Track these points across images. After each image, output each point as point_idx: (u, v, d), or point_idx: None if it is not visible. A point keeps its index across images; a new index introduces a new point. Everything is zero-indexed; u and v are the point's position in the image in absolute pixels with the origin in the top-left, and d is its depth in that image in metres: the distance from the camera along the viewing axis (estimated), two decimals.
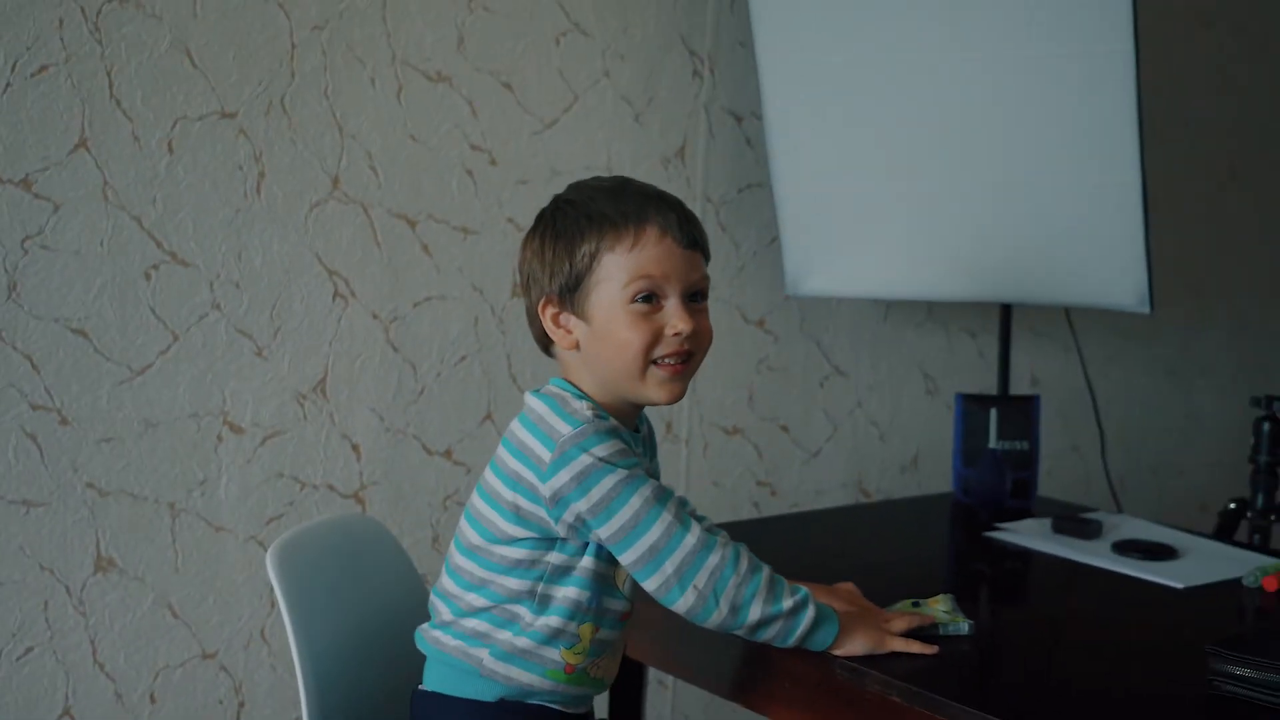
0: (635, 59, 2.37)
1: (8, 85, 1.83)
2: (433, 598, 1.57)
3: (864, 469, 2.75)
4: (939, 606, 1.66)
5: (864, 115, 2.35)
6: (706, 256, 1.56)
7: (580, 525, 1.45)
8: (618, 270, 1.47)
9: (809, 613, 1.49)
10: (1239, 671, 1.46)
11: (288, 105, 2.04)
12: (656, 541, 1.43)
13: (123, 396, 1.95)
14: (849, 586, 1.70)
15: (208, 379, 2.02)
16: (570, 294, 1.49)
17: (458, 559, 1.53)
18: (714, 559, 1.45)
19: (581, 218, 1.50)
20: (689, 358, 1.50)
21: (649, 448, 1.65)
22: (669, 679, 2.45)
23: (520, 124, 2.25)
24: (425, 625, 1.57)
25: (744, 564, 1.46)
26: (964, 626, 1.63)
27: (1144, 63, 2.18)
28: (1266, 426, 2.31)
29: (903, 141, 2.34)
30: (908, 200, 2.38)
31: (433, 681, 1.54)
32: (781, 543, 2.02)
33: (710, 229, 2.46)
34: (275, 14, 2.01)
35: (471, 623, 1.51)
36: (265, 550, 1.59)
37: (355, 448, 2.15)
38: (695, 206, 2.43)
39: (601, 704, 1.94)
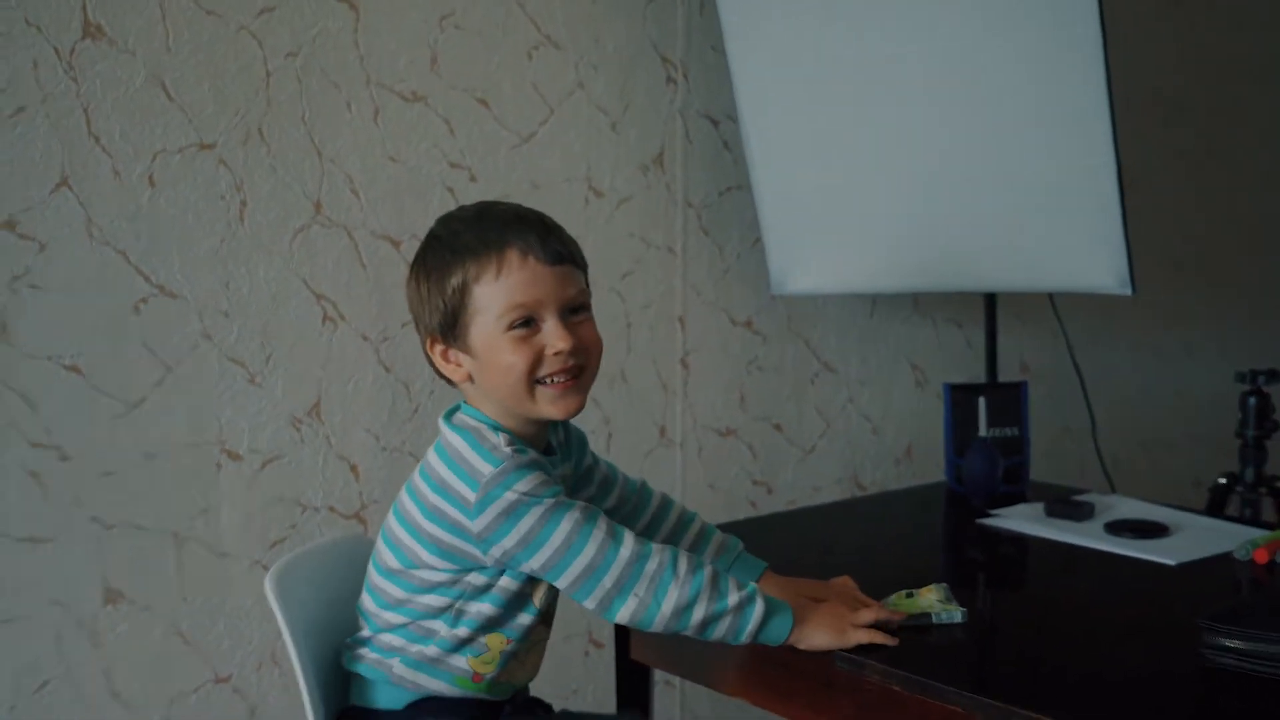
0: (608, 68, 2.37)
1: None
2: (356, 611, 1.58)
3: (858, 463, 2.75)
4: (932, 596, 1.66)
5: (839, 111, 2.35)
6: (580, 265, 1.54)
7: (509, 559, 1.45)
8: (488, 301, 1.47)
9: (757, 607, 1.48)
10: (1230, 644, 1.46)
11: (265, 133, 2.04)
12: (591, 561, 1.44)
13: (120, 430, 1.96)
14: (845, 580, 1.69)
15: (203, 408, 2.02)
16: (450, 329, 1.50)
17: (375, 579, 1.54)
18: (651, 565, 1.45)
19: (446, 252, 1.50)
20: (579, 371, 1.51)
21: (571, 449, 1.66)
22: (675, 679, 2.45)
23: (498, 139, 2.26)
24: (346, 641, 1.58)
25: (683, 566, 1.46)
26: (956, 615, 1.63)
27: (1113, 46, 2.18)
28: (1253, 401, 2.31)
29: (879, 136, 2.34)
30: (887, 194, 2.38)
31: (354, 696, 1.56)
32: (779, 540, 2.01)
33: (692, 233, 2.49)
34: (248, 43, 2.01)
35: (387, 637, 1.53)
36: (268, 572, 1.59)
37: (353, 468, 2.16)
38: (676, 211, 2.48)
39: (610, 707, 1.98)
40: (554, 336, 1.48)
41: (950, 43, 2.25)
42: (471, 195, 2.19)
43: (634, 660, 1.90)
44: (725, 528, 1.97)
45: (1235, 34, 3.33)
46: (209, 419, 2.03)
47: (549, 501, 1.44)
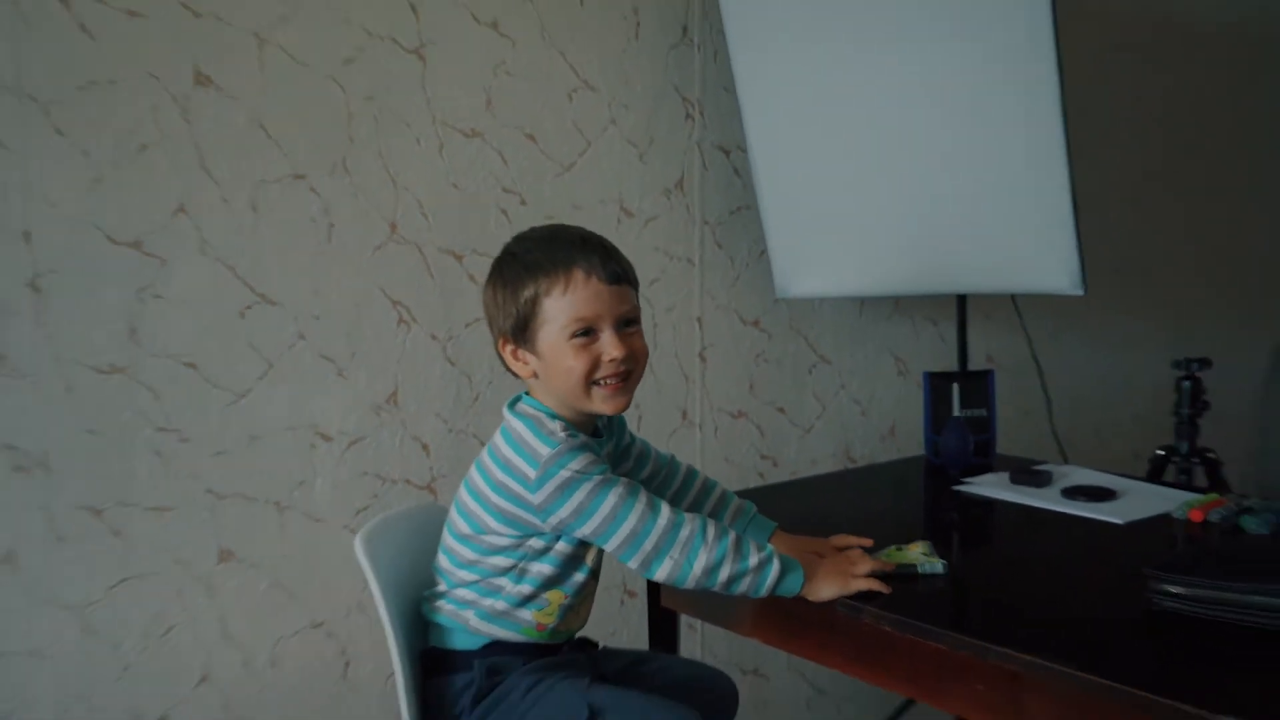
0: (636, 108, 2.41)
1: (116, 164, 1.87)
2: (432, 570, 1.63)
3: (849, 440, 2.79)
4: (917, 550, 1.71)
5: (832, 142, 2.39)
6: (633, 284, 1.58)
7: (564, 526, 1.50)
8: (556, 313, 1.52)
9: (774, 566, 1.53)
10: (1173, 589, 1.51)
11: (349, 165, 2.08)
12: (634, 528, 1.49)
13: (230, 416, 2.00)
14: (842, 537, 1.74)
15: (299, 397, 2.06)
16: (521, 333, 1.55)
17: (449, 542, 1.60)
18: (684, 532, 1.50)
19: (521, 267, 1.54)
20: (628, 375, 1.56)
21: (613, 431, 1.71)
22: (697, 623, 2.50)
23: (543, 168, 2.30)
24: (425, 593, 1.63)
25: (711, 532, 1.51)
26: (939, 566, 1.68)
27: (1068, 84, 2.22)
28: (1187, 385, 2.36)
29: (866, 162, 2.38)
30: (873, 212, 2.42)
31: (435, 640, 1.61)
32: (784, 505, 2.04)
33: (708, 246, 2.55)
34: (333, 89, 2.06)
35: (461, 592, 1.58)
36: (356, 535, 1.65)
37: (425, 447, 2.20)
38: (694, 228, 2.52)
39: (643, 646, 2.02)
40: (610, 346, 1.53)
41: (926, 82, 2.29)
42: (522, 216, 2.26)
43: (664, 607, 1.97)
44: (738, 494, 2.03)
45: (1173, 75, 3.35)
46: (304, 406, 2.07)
47: (598, 478, 1.49)
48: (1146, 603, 1.53)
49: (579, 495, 1.48)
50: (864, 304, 2.79)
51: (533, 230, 1.62)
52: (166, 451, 1.96)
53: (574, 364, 1.52)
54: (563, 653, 1.63)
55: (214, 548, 2.01)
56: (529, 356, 1.56)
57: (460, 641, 1.59)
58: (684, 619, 2.08)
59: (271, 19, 2.00)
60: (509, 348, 1.57)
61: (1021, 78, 2.22)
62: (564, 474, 1.48)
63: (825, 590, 1.57)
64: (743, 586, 1.52)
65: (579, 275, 1.52)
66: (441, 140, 2.18)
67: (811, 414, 2.73)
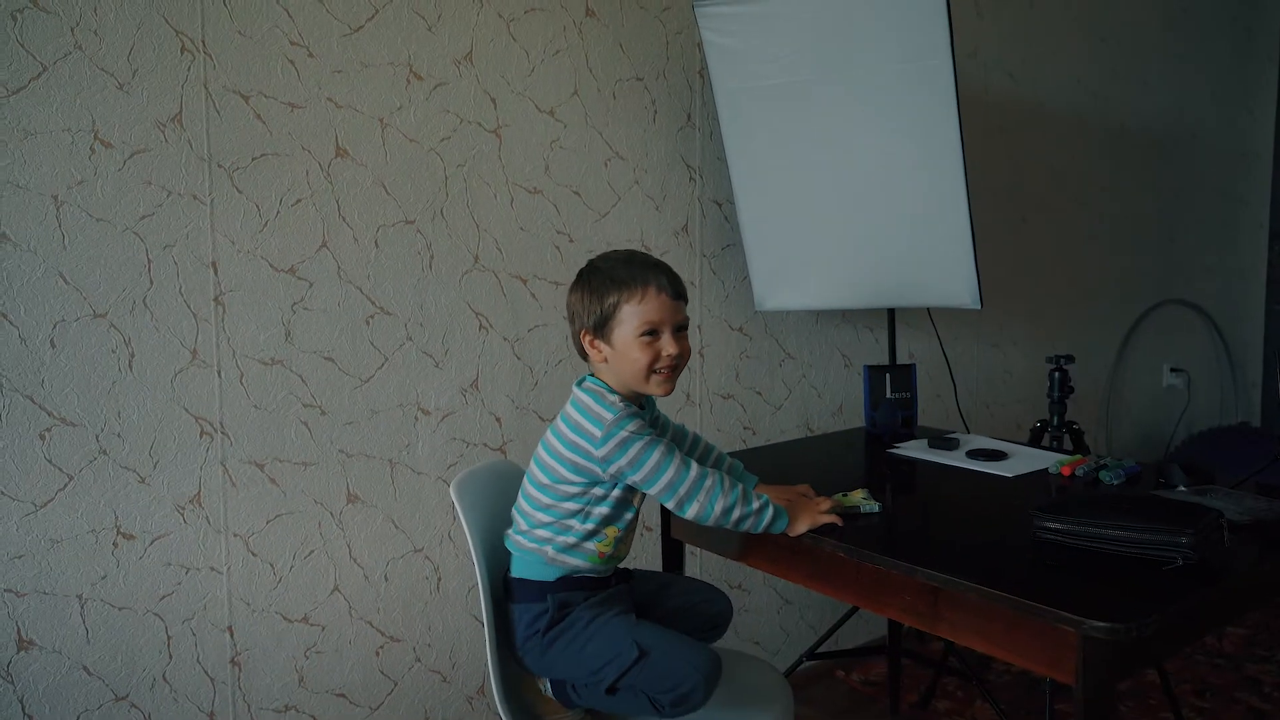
0: (654, 172, 2.38)
1: (278, 213, 1.86)
2: (514, 512, 1.59)
3: (809, 415, 2.75)
4: (858, 495, 1.68)
5: (795, 196, 2.35)
6: (687, 301, 1.56)
7: (620, 474, 1.48)
8: (631, 316, 1.50)
9: (770, 511, 1.54)
10: (1051, 524, 1.49)
11: (445, 214, 2.06)
12: (672, 477, 1.47)
13: (357, 396, 1.98)
14: (805, 487, 1.72)
15: (406, 382, 2.04)
16: (600, 329, 1.51)
17: (530, 490, 1.56)
18: (708, 482, 1.49)
19: (607, 279, 1.51)
20: (676, 367, 1.54)
21: (647, 406, 1.67)
22: (698, 550, 2.47)
23: (585, 216, 2.27)
24: (509, 531, 1.59)
25: (726, 484, 1.50)
26: (875, 507, 1.66)
27: (971, 150, 2.20)
28: (1056, 375, 2.32)
29: (820, 211, 2.34)
30: (826, 247, 2.38)
31: (517, 570, 1.57)
32: (762, 463, 2.00)
33: (706, 273, 2.51)
34: (434, 159, 2.03)
35: (540, 531, 1.54)
36: (448, 484, 1.62)
37: (498, 420, 2.17)
38: (695, 259, 2.47)
39: (656, 565, 2.00)
40: (668, 344, 1.51)
41: (864, 151, 2.25)
42: (570, 251, 2.23)
43: (673, 538, 1.94)
44: (732, 455, 1.99)
45: (1034, 150, 3.32)
46: (410, 389, 2.05)
47: (647, 438, 1.47)
48: (1032, 535, 1.51)
49: (633, 450, 1.46)
50: (819, 315, 2.75)
51: (614, 253, 1.57)
52: (311, 422, 1.94)
53: (640, 356, 1.50)
54: (612, 583, 1.59)
55: (343, 493, 1.99)
56: (604, 347, 1.52)
57: (537, 572, 1.54)
58: (687, 547, 2.03)
59: (391, 109, 1.98)
60: (589, 338, 1.53)
61: (934, 146, 2.18)
62: (622, 434, 1.46)
63: (801, 526, 1.57)
64: (747, 525, 1.52)
65: (652, 290, 1.50)
66: (512, 195, 2.16)
67: (781, 396, 2.69)
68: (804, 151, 2.29)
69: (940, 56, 2.08)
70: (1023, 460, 2.01)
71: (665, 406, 2.41)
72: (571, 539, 1.53)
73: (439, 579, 2.11)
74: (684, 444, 1.74)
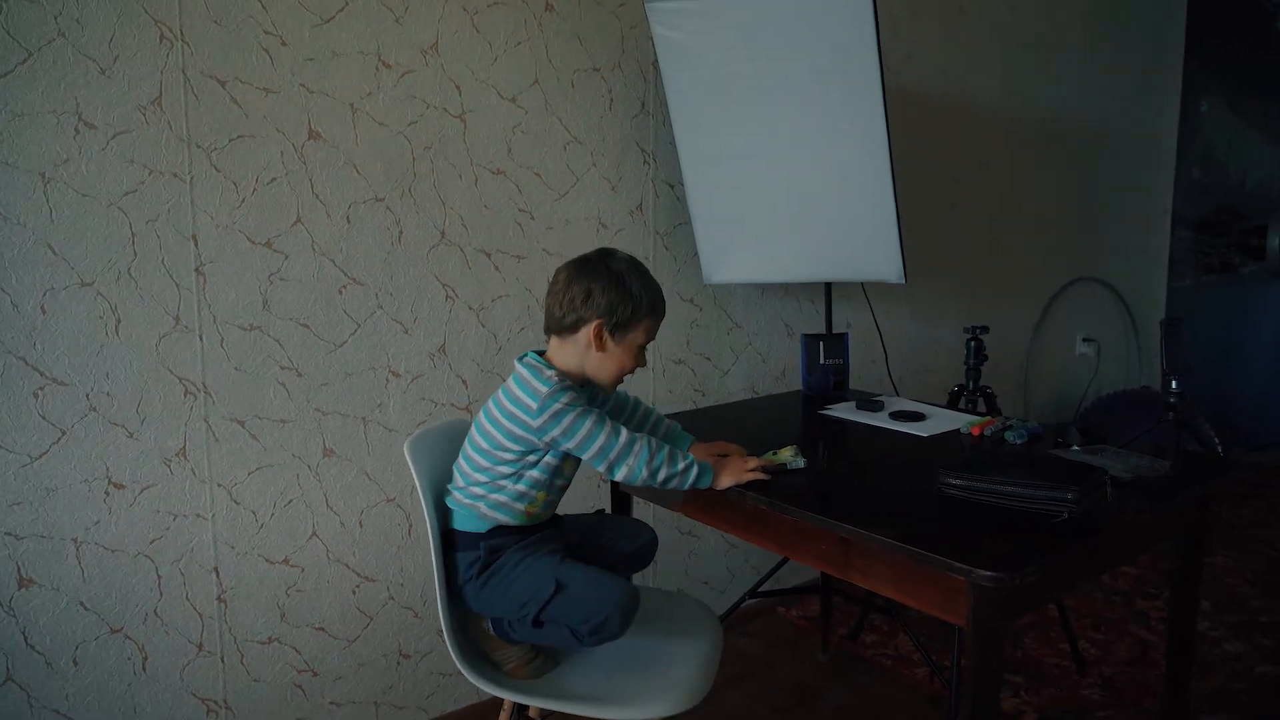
0: (610, 155, 2.30)
1: (255, 190, 1.78)
2: (454, 469, 1.53)
3: (755, 379, 2.70)
4: (787, 452, 1.63)
5: (739, 179, 2.27)
6: None
7: (554, 442, 1.43)
8: (644, 331, 1.48)
9: (695, 469, 1.49)
10: (953, 480, 1.45)
11: (413, 192, 1.98)
12: (603, 444, 1.42)
13: (331, 359, 1.91)
14: (735, 445, 1.66)
15: (377, 347, 1.97)
16: (615, 330, 1.46)
17: (469, 451, 1.50)
18: (637, 447, 1.44)
19: (640, 297, 1.46)
20: None
21: (591, 394, 1.61)
22: (645, 504, 2.41)
23: (545, 195, 2.19)
24: (448, 486, 1.53)
25: (653, 447, 1.46)
26: (801, 463, 1.61)
27: (899, 140, 2.14)
28: (972, 344, 2.26)
29: (761, 193, 2.27)
30: (768, 227, 2.31)
31: (456, 523, 1.51)
32: (709, 422, 2.00)
33: (660, 249, 2.44)
34: (403, 142, 1.95)
35: (474, 489, 1.48)
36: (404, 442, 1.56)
37: (464, 382, 2.11)
38: (650, 236, 2.40)
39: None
40: (643, 358, 1.52)
41: (801, 139, 2.18)
42: (532, 227, 2.16)
43: (621, 490, 1.89)
44: (680, 415, 1.94)
45: (966, 139, 3.25)
46: (381, 353, 1.98)
47: (579, 409, 1.41)
48: (937, 491, 1.46)
49: (566, 420, 1.40)
50: (764, 288, 2.69)
51: (635, 265, 1.49)
52: (288, 383, 1.88)
53: (629, 362, 1.50)
54: (542, 530, 1.53)
55: (319, 447, 1.93)
56: (609, 343, 1.47)
57: (472, 525, 1.49)
58: (636, 499, 1.98)
59: (361, 94, 1.89)
60: (603, 330, 1.46)
61: (862, 134, 2.10)
62: (556, 406, 1.40)
63: (725, 482, 1.52)
64: (674, 483, 1.48)
65: (661, 316, 1.51)
66: (476, 176, 2.08)
67: (728, 361, 2.63)
68: (744, 137, 2.22)
69: (867, 53, 2.00)
70: (938, 421, 1.97)
71: None
72: (503, 498, 1.48)
73: (410, 525, 2.06)
74: (626, 410, 1.69)
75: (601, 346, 1.46)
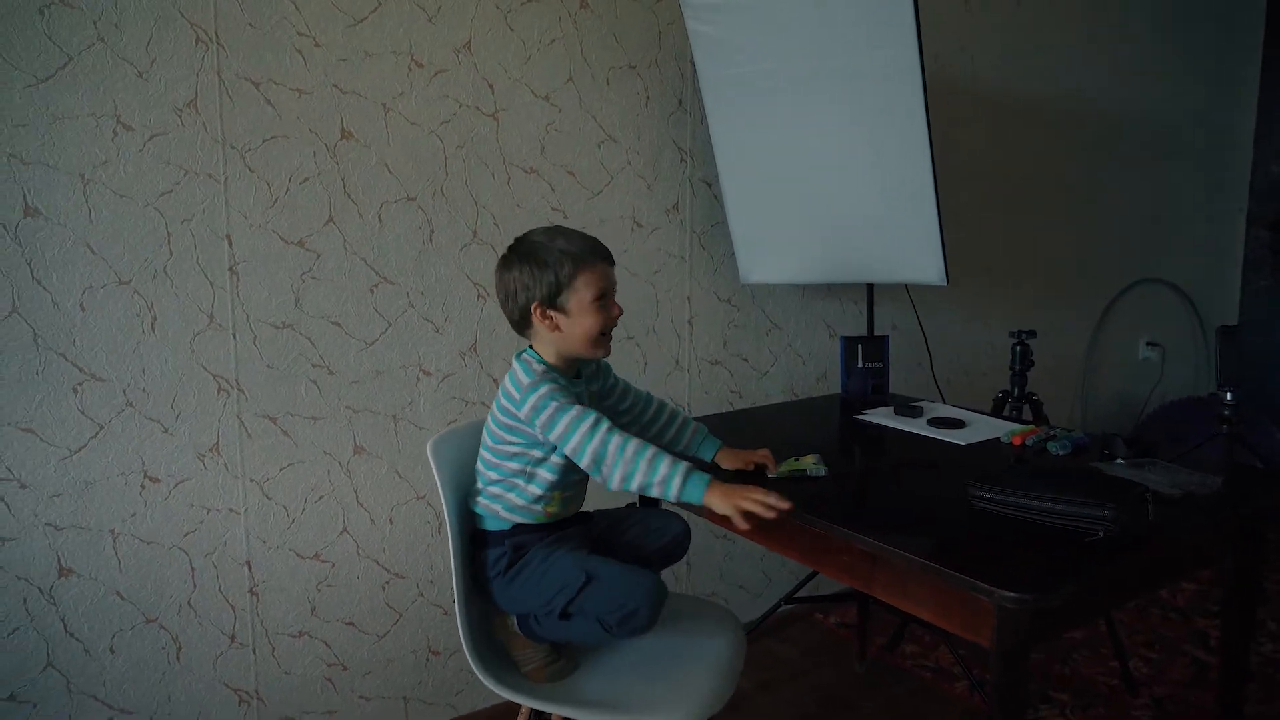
0: (645, 153, 2.28)
1: (288, 190, 1.80)
2: (475, 473, 1.52)
3: (794, 382, 2.65)
4: (808, 460, 1.60)
5: (777, 178, 2.23)
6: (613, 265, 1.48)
7: (542, 432, 1.40)
8: (585, 285, 1.41)
9: (676, 482, 1.35)
10: (984, 494, 1.39)
11: (445, 191, 1.99)
12: (579, 442, 1.36)
13: (362, 358, 1.93)
14: (764, 452, 1.62)
15: (409, 345, 1.98)
16: (553, 299, 1.42)
17: (483, 452, 1.49)
18: (612, 447, 1.35)
19: (558, 253, 1.41)
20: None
21: (600, 377, 1.58)
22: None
23: (579, 195, 2.18)
24: (471, 489, 1.52)
25: (630, 449, 1.35)
26: (822, 471, 1.57)
27: (943, 140, 2.07)
28: (1018, 349, 2.19)
29: (801, 192, 2.22)
30: (809, 225, 2.26)
31: (480, 524, 1.51)
32: (746, 425, 1.97)
33: (696, 248, 2.40)
34: (435, 141, 1.96)
35: (492, 489, 1.48)
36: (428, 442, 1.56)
37: (495, 381, 2.11)
38: (686, 235, 2.37)
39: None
40: (613, 308, 1.44)
41: (842, 138, 2.12)
42: (566, 226, 2.14)
43: (650, 496, 1.86)
44: (713, 419, 1.91)
45: (1013, 141, 3.14)
46: (412, 351, 1.99)
47: (559, 401, 1.38)
48: (967, 504, 1.40)
49: (547, 411, 1.38)
50: (805, 288, 2.63)
51: (540, 230, 1.46)
52: (320, 380, 1.90)
53: (594, 321, 1.43)
54: (569, 527, 1.53)
55: (350, 444, 1.95)
56: (557, 316, 1.43)
57: (492, 525, 1.49)
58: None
59: (394, 94, 1.90)
60: (540, 310, 1.43)
61: (903, 130, 2.03)
62: (536, 395, 1.39)
63: (716, 506, 1.35)
64: (654, 491, 1.36)
65: (599, 259, 1.43)
66: (509, 175, 2.07)
67: (767, 363, 2.59)
68: (781, 135, 2.17)
69: (908, 47, 1.94)
70: (978, 429, 1.90)
71: (654, 371, 2.35)
72: (520, 500, 1.47)
73: (439, 523, 2.07)
74: (648, 410, 1.66)
75: (554, 325, 1.43)
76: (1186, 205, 3.76)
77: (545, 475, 1.46)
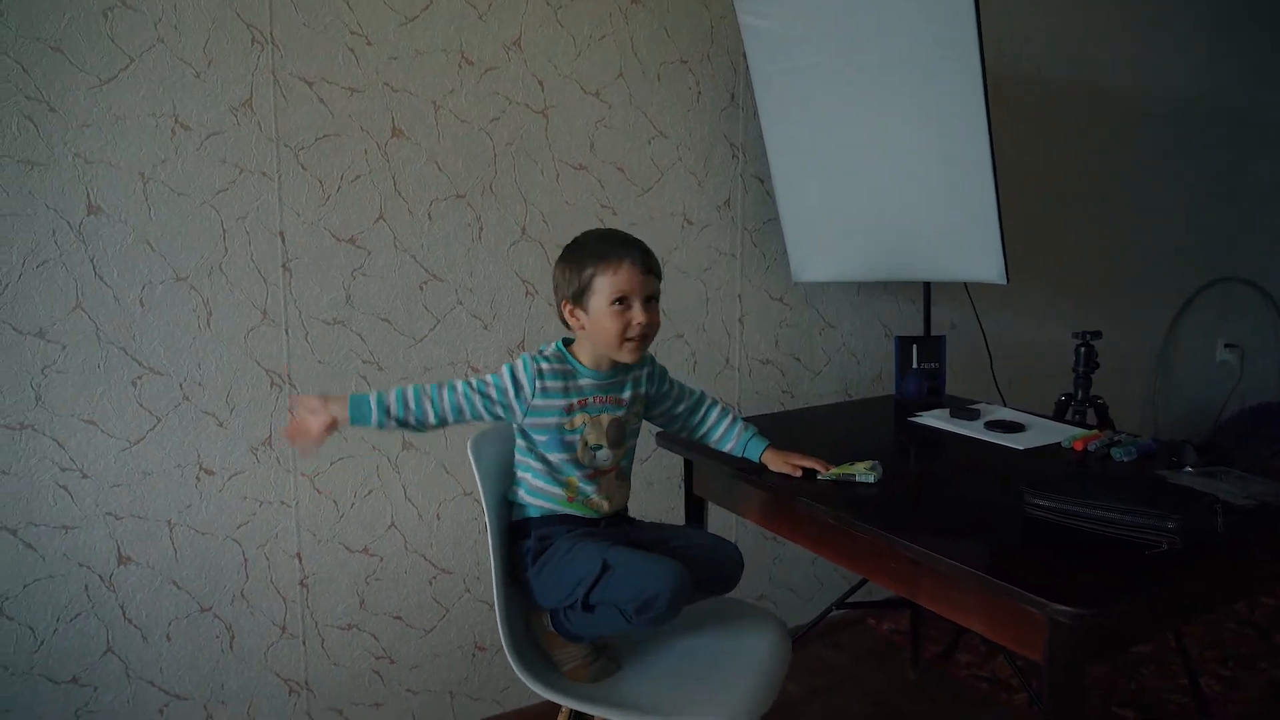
0: (697, 149, 2.25)
1: (339, 187, 1.82)
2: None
3: (848, 382, 2.60)
4: (860, 465, 1.56)
5: (831, 175, 2.18)
6: (658, 275, 1.46)
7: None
8: (604, 287, 1.41)
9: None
10: (1039, 502, 1.35)
11: (494, 188, 1.99)
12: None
13: (411, 355, 1.95)
14: (814, 459, 1.59)
15: (457, 343, 1.99)
16: (579, 298, 1.44)
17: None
18: (424, 391, 1.43)
19: (586, 253, 1.43)
20: (646, 336, 1.44)
21: (644, 378, 1.56)
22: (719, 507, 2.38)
23: (629, 191, 2.17)
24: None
25: (415, 398, 1.44)
26: (871, 477, 1.54)
27: (1006, 134, 2.00)
28: (1082, 350, 2.11)
29: (856, 188, 2.17)
30: (864, 223, 2.21)
31: (514, 515, 1.52)
32: (796, 426, 1.94)
33: (747, 245, 2.37)
34: (484, 138, 1.96)
35: (517, 472, 1.50)
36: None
37: None
38: (737, 232, 2.34)
39: (679, 520, 1.91)
40: (638, 314, 1.42)
41: (898, 133, 2.06)
42: (614, 223, 2.13)
43: (695, 494, 1.85)
44: (764, 418, 1.89)
45: (1075, 137, 3.03)
46: (460, 348, 2.00)
47: (493, 382, 1.44)
48: (1021, 511, 1.35)
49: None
50: (860, 286, 2.58)
51: (595, 230, 1.50)
52: (369, 376, 1.91)
53: (611, 325, 1.42)
54: (601, 526, 1.51)
55: (399, 440, 1.96)
56: (582, 315, 1.45)
57: (524, 513, 1.50)
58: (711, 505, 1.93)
59: (444, 92, 1.91)
60: (569, 307, 1.46)
61: (961, 126, 1.97)
62: (503, 368, 1.44)
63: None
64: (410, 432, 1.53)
65: (625, 263, 1.42)
66: (558, 172, 2.07)
67: (820, 362, 2.55)
68: (835, 130, 2.13)
69: (967, 38, 1.88)
70: (1039, 433, 1.84)
71: (704, 370, 2.33)
72: (537, 481, 1.49)
73: (487, 520, 2.07)
74: (700, 408, 1.65)
75: (579, 323, 1.45)
76: (1268, 201, 3.58)
77: (548, 457, 1.47)
